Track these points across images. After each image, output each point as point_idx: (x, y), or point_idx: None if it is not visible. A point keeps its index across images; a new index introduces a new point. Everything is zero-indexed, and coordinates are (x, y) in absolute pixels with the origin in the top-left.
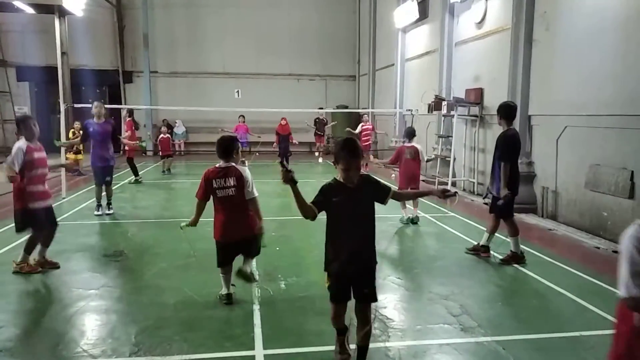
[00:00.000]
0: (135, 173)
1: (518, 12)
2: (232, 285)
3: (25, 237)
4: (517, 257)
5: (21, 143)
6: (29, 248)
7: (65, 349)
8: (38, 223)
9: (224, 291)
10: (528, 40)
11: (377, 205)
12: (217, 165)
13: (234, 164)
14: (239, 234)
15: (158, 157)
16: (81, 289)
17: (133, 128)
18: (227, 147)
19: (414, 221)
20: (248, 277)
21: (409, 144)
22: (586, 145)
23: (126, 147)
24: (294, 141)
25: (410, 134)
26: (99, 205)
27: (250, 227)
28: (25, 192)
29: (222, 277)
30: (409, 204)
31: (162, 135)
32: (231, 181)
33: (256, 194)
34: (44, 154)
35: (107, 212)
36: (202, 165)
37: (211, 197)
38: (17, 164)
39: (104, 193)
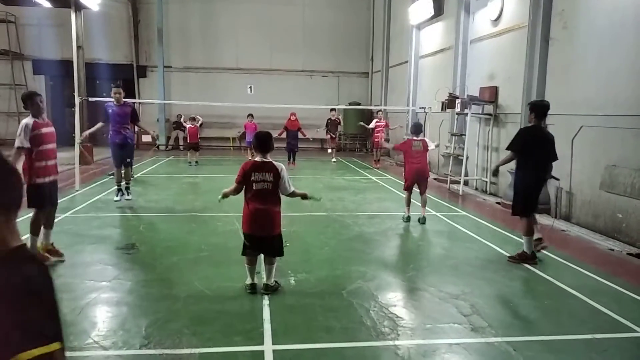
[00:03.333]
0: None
1: (535, 9)
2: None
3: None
4: (526, 257)
5: (27, 119)
6: (34, 228)
7: (76, 339)
8: (41, 199)
9: (248, 281)
10: (545, 38)
11: (389, 203)
12: (255, 159)
13: (270, 159)
14: (265, 230)
15: (170, 152)
16: (93, 280)
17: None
18: (265, 141)
19: (422, 222)
20: (275, 289)
21: (417, 138)
22: (602, 146)
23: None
24: (306, 135)
25: (418, 129)
26: (119, 190)
27: (276, 225)
28: (34, 167)
29: (246, 267)
30: (418, 202)
31: (190, 125)
32: (268, 176)
33: (292, 188)
34: (52, 129)
35: (126, 198)
36: (214, 160)
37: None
38: (25, 140)
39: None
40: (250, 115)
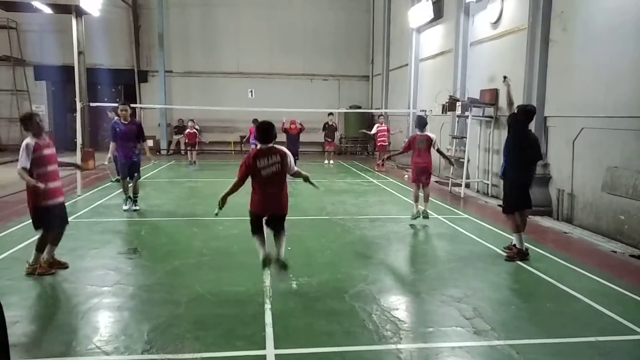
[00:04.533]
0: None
1: (535, 12)
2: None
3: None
4: (522, 254)
5: (29, 139)
6: (40, 247)
7: (78, 345)
8: (49, 221)
9: (262, 255)
10: (545, 40)
11: (390, 206)
12: (258, 147)
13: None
14: (274, 210)
15: (171, 157)
16: (95, 285)
17: None
18: (268, 131)
19: (425, 216)
20: (286, 266)
21: (421, 134)
22: (603, 148)
23: None
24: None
25: (422, 123)
26: (127, 198)
27: (285, 205)
28: (38, 190)
29: (257, 242)
30: (421, 199)
31: (188, 129)
32: (275, 158)
33: (297, 168)
34: (54, 150)
35: (134, 208)
36: (215, 164)
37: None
38: (27, 161)
39: (130, 185)
40: (256, 119)
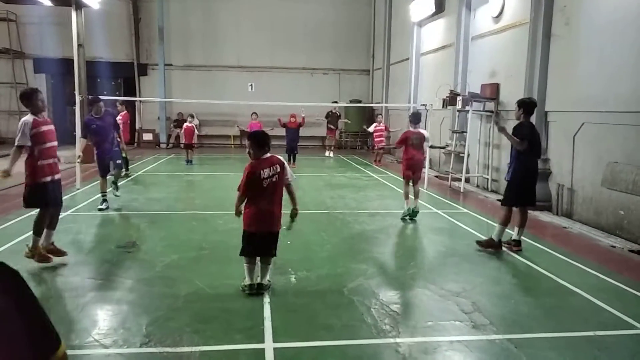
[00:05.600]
0: (126, 167)
1: (537, 6)
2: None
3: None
4: (493, 244)
5: (27, 117)
6: (37, 229)
7: (77, 338)
8: (46, 199)
9: (247, 282)
10: (546, 35)
11: (389, 200)
12: (259, 157)
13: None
14: (268, 226)
15: (171, 150)
16: (93, 279)
17: (128, 121)
18: (262, 140)
19: (414, 212)
20: (267, 288)
21: (415, 130)
22: (604, 142)
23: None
24: (303, 119)
25: (416, 118)
26: (104, 200)
27: (278, 222)
28: (37, 166)
29: (245, 267)
30: (411, 195)
31: (186, 124)
32: (277, 168)
33: (294, 177)
34: (52, 127)
35: (115, 193)
36: (215, 158)
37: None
38: (26, 138)
39: (111, 175)
40: (255, 113)
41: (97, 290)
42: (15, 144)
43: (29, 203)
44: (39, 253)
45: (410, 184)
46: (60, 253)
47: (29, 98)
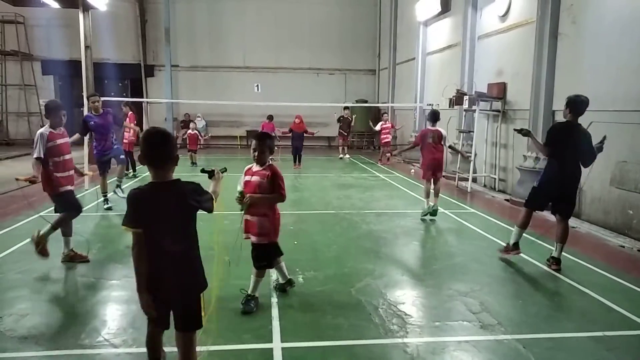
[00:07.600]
0: (133, 167)
1: (543, 5)
2: None
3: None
4: (508, 248)
5: (43, 129)
6: (56, 225)
7: (87, 337)
8: (72, 204)
9: (252, 292)
10: (553, 34)
11: (396, 200)
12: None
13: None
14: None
15: (178, 150)
16: (103, 279)
17: (136, 122)
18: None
19: (434, 211)
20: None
21: (432, 127)
22: (612, 142)
23: (125, 140)
24: (314, 134)
25: (434, 116)
26: (105, 200)
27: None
28: (55, 177)
29: (256, 280)
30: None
31: (190, 131)
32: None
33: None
34: (67, 139)
35: (120, 194)
36: (221, 159)
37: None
38: (41, 150)
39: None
40: (270, 116)
41: (107, 290)
42: (34, 156)
43: (56, 209)
44: (43, 244)
45: (431, 181)
46: (82, 258)
47: (53, 111)
